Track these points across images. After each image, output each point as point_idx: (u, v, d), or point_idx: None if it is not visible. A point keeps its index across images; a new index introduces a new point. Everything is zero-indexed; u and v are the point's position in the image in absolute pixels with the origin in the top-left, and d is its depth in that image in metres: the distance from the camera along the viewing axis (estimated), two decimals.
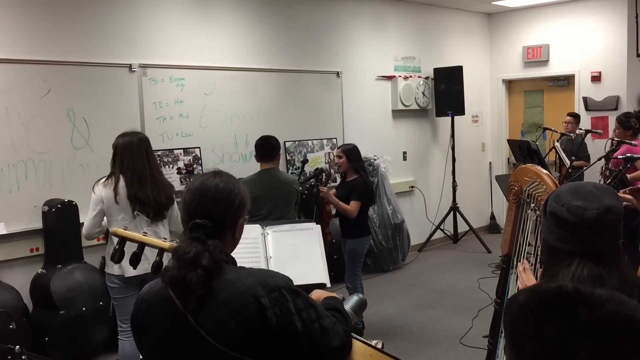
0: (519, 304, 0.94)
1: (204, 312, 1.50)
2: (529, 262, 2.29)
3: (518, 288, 2.53)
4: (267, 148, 4.58)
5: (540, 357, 0.87)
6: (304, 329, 1.52)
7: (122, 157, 3.59)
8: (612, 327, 0.85)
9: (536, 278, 2.21)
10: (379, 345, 1.74)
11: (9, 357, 2.08)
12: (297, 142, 6.39)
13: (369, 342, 1.73)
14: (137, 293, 3.57)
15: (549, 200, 1.64)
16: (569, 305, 0.88)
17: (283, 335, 1.50)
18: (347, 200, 4.80)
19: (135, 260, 2.11)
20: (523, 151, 6.40)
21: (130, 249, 2.15)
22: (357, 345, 1.67)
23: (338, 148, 5.15)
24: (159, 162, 5.25)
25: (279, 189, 4.49)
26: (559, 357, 0.85)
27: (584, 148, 6.81)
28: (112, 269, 3.62)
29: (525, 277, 2.10)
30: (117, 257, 1.96)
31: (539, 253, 2.25)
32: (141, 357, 1.72)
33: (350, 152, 4.87)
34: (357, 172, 4.86)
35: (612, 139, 5.78)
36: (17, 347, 2.10)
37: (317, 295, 1.87)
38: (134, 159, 3.58)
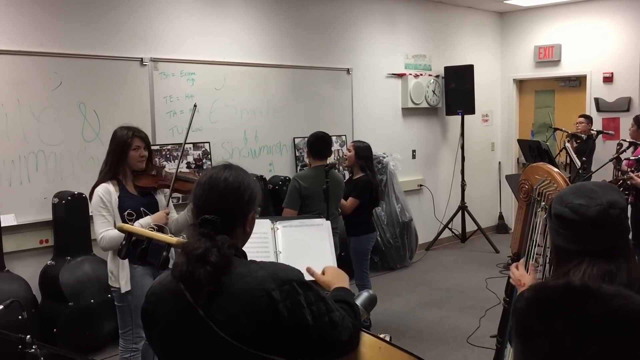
0: (525, 300, 0.95)
1: (214, 305, 1.49)
2: (538, 263, 2.27)
3: (508, 283, 2.52)
4: (324, 145, 4.61)
5: (551, 351, 0.88)
6: (314, 322, 1.51)
7: (107, 155, 3.50)
8: (622, 320, 0.87)
9: (544, 278, 2.19)
10: (387, 339, 1.74)
11: (20, 346, 2.09)
12: (306, 139, 6.36)
13: (378, 335, 1.73)
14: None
15: (553, 203, 1.64)
16: (577, 300, 0.90)
17: (294, 329, 1.49)
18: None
19: (142, 256, 2.10)
20: (533, 151, 6.38)
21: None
22: (367, 338, 1.67)
23: (351, 143, 5.14)
24: (168, 156, 5.28)
25: (334, 187, 4.50)
26: (571, 351, 0.86)
27: (591, 153, 6.65)
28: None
29: (517, 273, 2.09)
30: (124, 253, 1.95)
31: (547, 254, 2.23)
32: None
33: (361, 150, 4.86)
34: (363, 170, 4.84)
35: (624, 141, 5.74)
36: (28, 336, 2.11)
37: (330, 272, 1.86)
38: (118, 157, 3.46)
